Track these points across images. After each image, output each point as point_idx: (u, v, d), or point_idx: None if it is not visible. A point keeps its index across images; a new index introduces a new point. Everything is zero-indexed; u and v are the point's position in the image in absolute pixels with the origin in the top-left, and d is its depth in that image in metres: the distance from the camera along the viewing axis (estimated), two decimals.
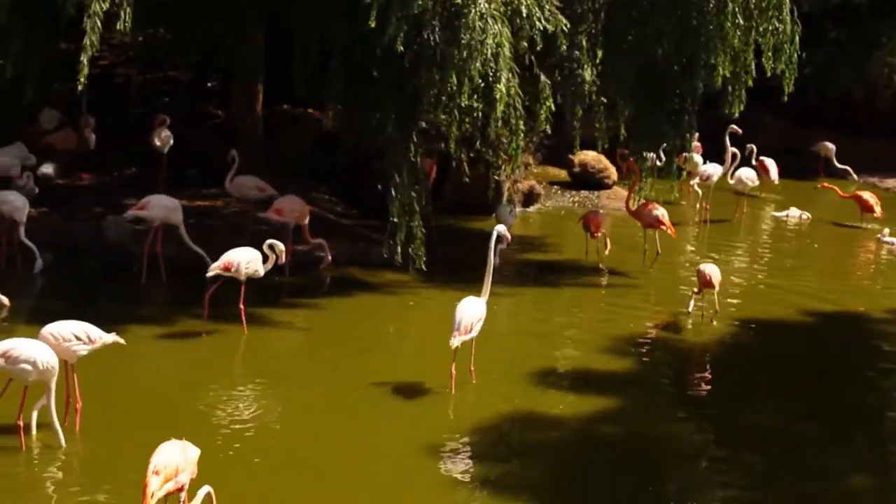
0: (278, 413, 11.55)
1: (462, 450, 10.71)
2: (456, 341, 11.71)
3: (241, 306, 13.42)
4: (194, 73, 24.41)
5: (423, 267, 15.10)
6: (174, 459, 8.17)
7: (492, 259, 12.61)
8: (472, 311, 11.97)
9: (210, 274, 13.44)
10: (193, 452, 8.37)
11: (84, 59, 13.49)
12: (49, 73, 17.04)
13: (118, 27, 13.84)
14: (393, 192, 14.97)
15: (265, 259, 13.51)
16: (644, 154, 17.57)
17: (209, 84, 24.32)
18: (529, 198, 21.53)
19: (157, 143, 19.60)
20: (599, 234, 17.49)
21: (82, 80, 13.54)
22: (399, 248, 15.03)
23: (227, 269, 13.33)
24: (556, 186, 22.85)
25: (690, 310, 14.89)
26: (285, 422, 11.28)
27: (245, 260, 13.38)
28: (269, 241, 13.67)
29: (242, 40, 18.93)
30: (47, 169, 18.73)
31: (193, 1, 18.13)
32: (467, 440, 10.93)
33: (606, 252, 17.56)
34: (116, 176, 19.87)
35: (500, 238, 12.91)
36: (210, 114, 22.24)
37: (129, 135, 20.77)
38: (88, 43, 13.44)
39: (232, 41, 19.46)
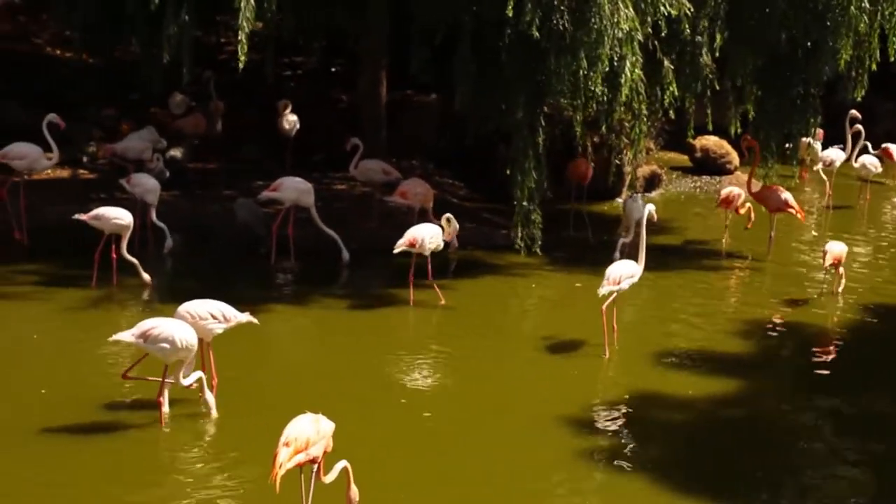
0: (414, 389, 11.72)
1: (589, 425, 10.80)
2: (604, 289, 12.33)
3: (430, 279, 14.14)
4: (319, 58, 24.71)
5: (539, 251, 15.42)
6: (306, 432, 8.22)
7: (644, 233, 12.89)
8: (622, 266, 12.59)
9: (396, 250, 13.92)
10: (327, 426, 8.39)
11: (242, 37, 13.87)
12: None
13: (265, 5, 14.22)
14: (519, 177, 15.13)
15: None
16: (769, 139, 17.43)
17: (333, 69, 24.60)
18: (651, 182, 21.50)
19: (285, 126, 19.89)
20: (743, 210, 17.40)
21: (242, 59, 13.93)
22: (521, 232, 15.27)
23: (412, 244, 13.87)
24: (677, 171, 22.79)
25: (840, 290, 15.02)
26: (421, 398, 11.44)
27: (429, 235, 13.94)
28: (447, 214, 14.40)
29: (367, 26, 19.11)
30: (177, 153, 19.12)
31: None
32: (594, 416, 11.06)
33: (749, 226, 17.41)
34: (243, 160, 20.19)
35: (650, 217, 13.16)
36: (334, 99, 22.49)
37: (255, 119, 21.11)
38: (244, 22, 13.81)
39: (357, 27, 19.66)
